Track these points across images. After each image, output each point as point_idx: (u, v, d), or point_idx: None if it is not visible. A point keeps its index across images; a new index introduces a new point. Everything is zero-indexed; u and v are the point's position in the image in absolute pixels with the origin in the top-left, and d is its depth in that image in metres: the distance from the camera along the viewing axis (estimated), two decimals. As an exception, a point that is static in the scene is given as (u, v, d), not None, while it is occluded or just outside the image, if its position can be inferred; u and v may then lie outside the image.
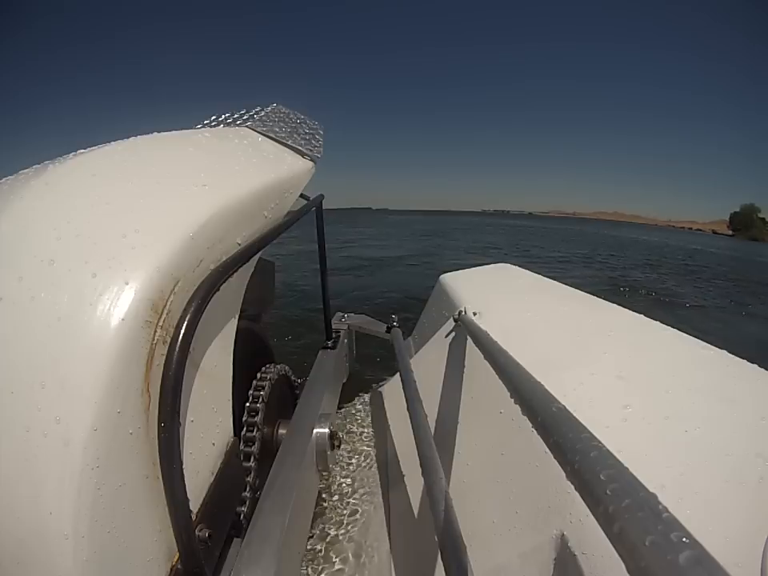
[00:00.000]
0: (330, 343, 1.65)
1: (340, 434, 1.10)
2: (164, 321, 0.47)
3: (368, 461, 1.33)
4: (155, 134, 0.74)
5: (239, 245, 0.63)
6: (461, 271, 1.65)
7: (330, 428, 1.05)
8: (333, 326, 1.74)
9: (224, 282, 0.55)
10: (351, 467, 1.32)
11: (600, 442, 0.31)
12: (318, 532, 1.08)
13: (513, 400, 0.49)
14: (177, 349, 0.46)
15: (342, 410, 1.69)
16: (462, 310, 1.11)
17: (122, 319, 0.43)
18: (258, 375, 1.03)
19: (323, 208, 1.41)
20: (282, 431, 1.07)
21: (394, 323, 1.71)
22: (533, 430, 0.40)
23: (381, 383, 1.78)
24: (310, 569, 0.98)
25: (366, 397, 1.79)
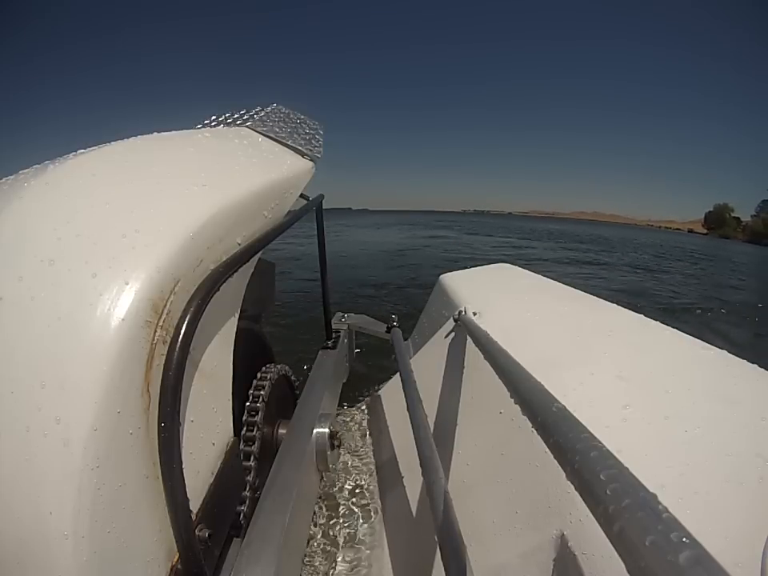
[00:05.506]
0: (330, 343, 1.64)
1: (340, 434, 1.10)
2: (164, 321, 0.47)
3: (368, 460, 1.33)
4: (155, 133, 0.74)
5: (239, 245, 0.63)
6: (461, 271, 1.65)
7: (330, 428, 1.05)
8: (333, 326, 1.74)
9: (224, 282, 0.54)
10: (351, 467, 1.32)
11: (600, 442, 0.31)
12: (318, 532, 1.08)
13: (513, 400, 0.49)
14: (177, 349, 0.46)
15: (342, 410, 1.69)
16: (462, 310, 1.11)
17: (122, 319, 0.43)
18: (258, 375, 1.03)
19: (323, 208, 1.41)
20: (282, 431, 1.07)
21: (394, 323, 1.71)
22: (533, 430, 0.40)
23: (381, 383, 1.78)
24: (309, 569, 0.98)
25: (366, 397, 1.79)
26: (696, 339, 0.89)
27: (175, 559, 0.50)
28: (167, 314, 0.48)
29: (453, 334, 1.13)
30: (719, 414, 0.64)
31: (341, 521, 1.12)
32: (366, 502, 1.16)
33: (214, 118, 1.11)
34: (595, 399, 0.70)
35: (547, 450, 0.36)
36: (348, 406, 1.74)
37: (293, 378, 1.26)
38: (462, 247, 12.76)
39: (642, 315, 1.04)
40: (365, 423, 1.56)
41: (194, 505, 0.54)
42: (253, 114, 1.14)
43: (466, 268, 1.73)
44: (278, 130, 1.10)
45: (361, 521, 1.11)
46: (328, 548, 1.04)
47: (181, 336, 0.47)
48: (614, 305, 1.14)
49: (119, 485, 0.43)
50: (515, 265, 1.78)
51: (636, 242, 23.09)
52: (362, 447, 1.41)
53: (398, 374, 1.15)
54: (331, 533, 1.08)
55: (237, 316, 0.70)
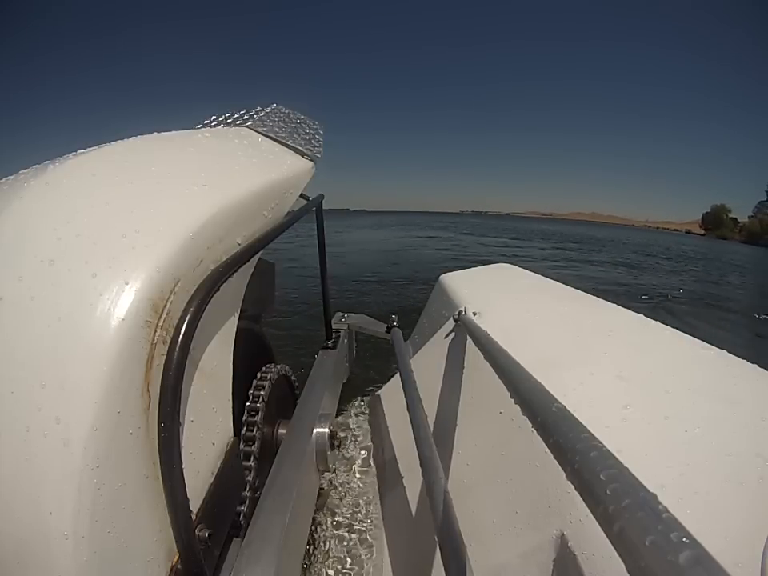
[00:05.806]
0: (330, 343, 1.64)
1: (340, 434, 1.10)
2: (164, 321, 0.47)
3: (368, 461, 1.33)
4: (155, 134, 0.74)
5: (239, 245, 0.63)
6: (461, 271, 1.65)
7: (329, 428, 1.05)
8: (333, 326, 1.74)
9: (224, 282, 0.55)
10: (351, 467, 1.32)
11: (600, 442, 0.31)
12: (318, 532, 1.08)
13: (513, 400, 0.49)
14: (177, 349, 0.46)
15: (342, 410, 1.69)
16: (462, 310, 1.11)
17: (122, 319, 0.43)
18: (258, 375, 1.03)
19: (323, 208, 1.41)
20: (282, 431, 1.07)
21: (394, 323, 1.71)
22: (533, 430, 0.40)
23: (381, 383, 1.78)
24: (309, 569, 0.98)
25: (366, 397, 1.79)
26: (696, 339, 0.89)
27: (175, 559, 0.50)
28: (167, 314, 0.48)
29: (453, 334, 1.13)
30: (719, 413, 0.64)
31: (341, 521, 1.12)
32: (366, 502, 1.16)
33: (213, 118, 1.11)
34: (595, 399, 0.70)
35: (547, 450, 0.36)
36: (348, 406, 1.74)
37: (293, 378, 1.26)
38: (457, 247, 13.54)
39: (642, 315, 1.04)
40: (365, 423, 1.56)
41: (194, 505, 0.54)
42: (253, 114, 1.14)
43: (461, 266, 1.73)
44: (277, 129, 1.10)
45: (361, 521, 1.11)
46: (328, 548, 1.04)
47: (181, 336, 0.47)
48: (614, 305, 1.14)
49: (119, 485, 0.43)
50: (512, 264, 1.78)
51: (628, 242, 24.22)
52: (361, 447, 1.41)
53: (398, 373, 1.15)
54: (331, 533, 1.08)
55: (237, 316, 0.70)
